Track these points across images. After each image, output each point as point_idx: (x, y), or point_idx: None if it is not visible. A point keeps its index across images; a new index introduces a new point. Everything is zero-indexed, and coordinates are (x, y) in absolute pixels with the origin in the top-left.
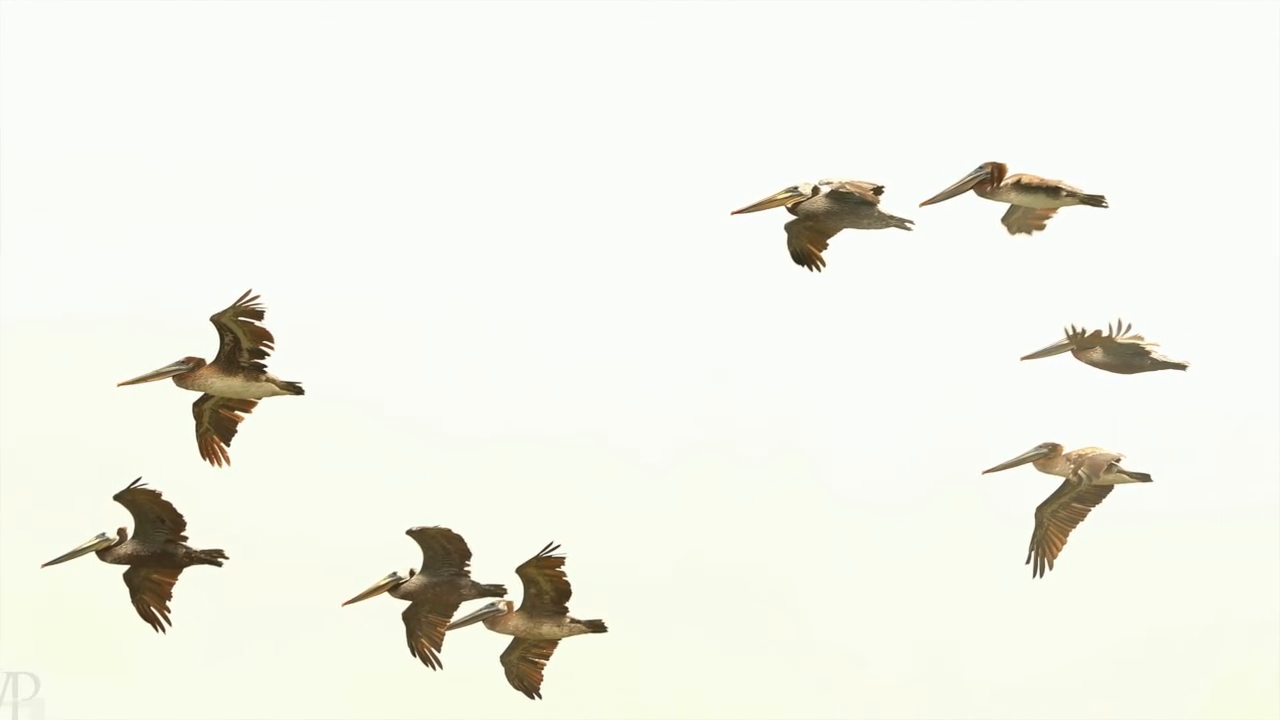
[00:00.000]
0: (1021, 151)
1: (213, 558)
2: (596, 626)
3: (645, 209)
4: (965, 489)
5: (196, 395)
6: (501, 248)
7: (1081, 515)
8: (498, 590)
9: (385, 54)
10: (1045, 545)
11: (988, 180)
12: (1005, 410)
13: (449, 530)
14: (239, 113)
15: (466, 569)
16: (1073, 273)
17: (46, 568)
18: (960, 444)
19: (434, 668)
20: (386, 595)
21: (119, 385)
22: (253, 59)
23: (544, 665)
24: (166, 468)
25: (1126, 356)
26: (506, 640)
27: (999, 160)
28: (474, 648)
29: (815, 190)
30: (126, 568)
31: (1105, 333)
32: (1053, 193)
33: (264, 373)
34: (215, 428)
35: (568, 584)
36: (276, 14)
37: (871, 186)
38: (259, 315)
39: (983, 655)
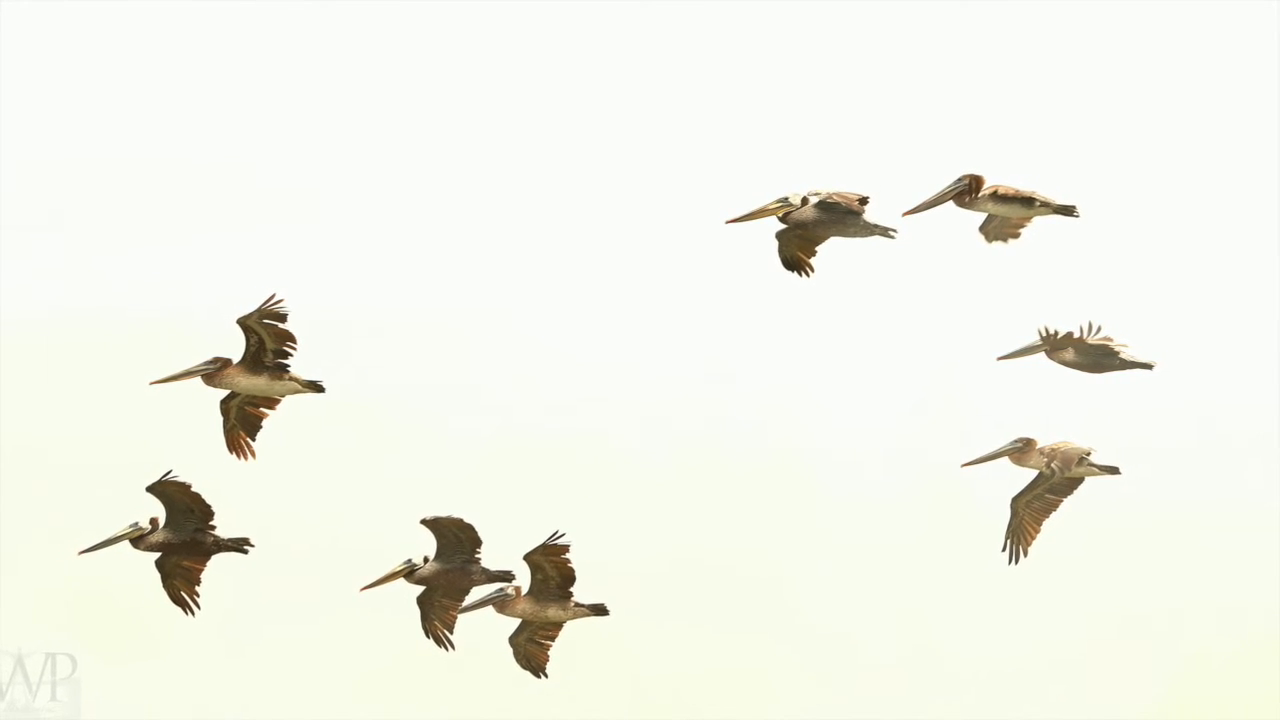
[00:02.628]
0: (998, 164)
1: (239, 545)
2: (599, 610)
3: (643, 216)
4: (948, 482)
5: (224, 393)
6: (504, 252)
7: (1054, 506)
8: (506, 576)
9: (386, 62)
10: (1020, 534)
11: (966, 191)
12: (985, 407)
13: (461, 520)
14: (241, 120)
15: (477, 556)
16: (1047, 278)
17: (83, 555)
18: (944, 439)
19: (446, 649)
20: (402, 581)
21: (151, 384)
22: (255, 68)
23: (549, 646)
24: (196, 461)
25: (1097, 356)
26: (515, 623)
27: (976, 172)
28: (484, 630)
29: (804, 200)
30: (158, 555)
31: (1076, 334)
32: (1027, 203)
33: (287, 372)
34: (241, 423)
35: (572, 570)
36: (280, 24)
37: (857, 197)
38: (282, 318)
39: (965, 636)
